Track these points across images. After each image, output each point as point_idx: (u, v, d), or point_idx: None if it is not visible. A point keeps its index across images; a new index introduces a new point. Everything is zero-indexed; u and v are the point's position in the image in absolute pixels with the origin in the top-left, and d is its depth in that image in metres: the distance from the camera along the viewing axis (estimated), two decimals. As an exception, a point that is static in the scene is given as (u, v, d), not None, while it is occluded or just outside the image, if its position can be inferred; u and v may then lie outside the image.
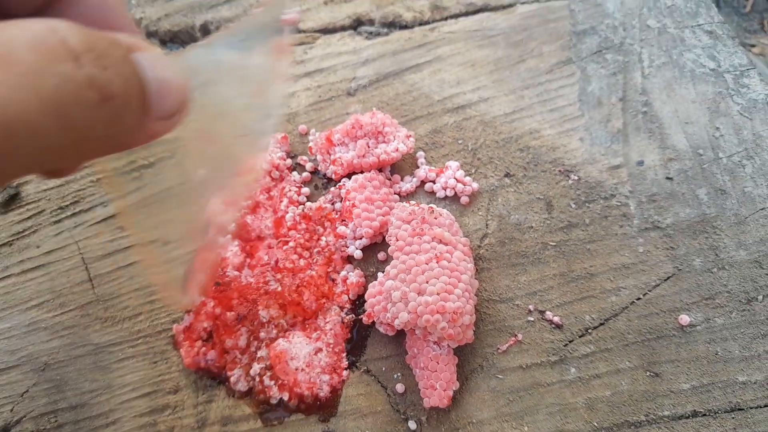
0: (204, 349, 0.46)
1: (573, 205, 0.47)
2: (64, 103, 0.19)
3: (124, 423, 0.46)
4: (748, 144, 0.47)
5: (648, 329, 0.43)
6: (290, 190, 0.50)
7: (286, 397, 0.44)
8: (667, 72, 0.50)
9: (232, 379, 0.45)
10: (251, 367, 0.45)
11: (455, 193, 0.48)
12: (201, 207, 0.33)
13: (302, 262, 0.48)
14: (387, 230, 0.46)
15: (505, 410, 0.42)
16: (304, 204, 0.50)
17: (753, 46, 0.87)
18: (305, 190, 0.50)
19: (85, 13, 0.26)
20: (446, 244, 0.43)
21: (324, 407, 0.44)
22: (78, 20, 0.21)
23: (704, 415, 0.40)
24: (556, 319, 0.44)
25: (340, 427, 0.43)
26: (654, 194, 0.46)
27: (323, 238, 0.48)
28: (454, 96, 0.52)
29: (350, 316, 0.46)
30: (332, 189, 0.50)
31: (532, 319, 0.44)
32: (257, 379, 0.45)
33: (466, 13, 0.57)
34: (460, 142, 0.51)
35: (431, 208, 0.44)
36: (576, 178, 0.48)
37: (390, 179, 0.50)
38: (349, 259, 0.48)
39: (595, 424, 0.41)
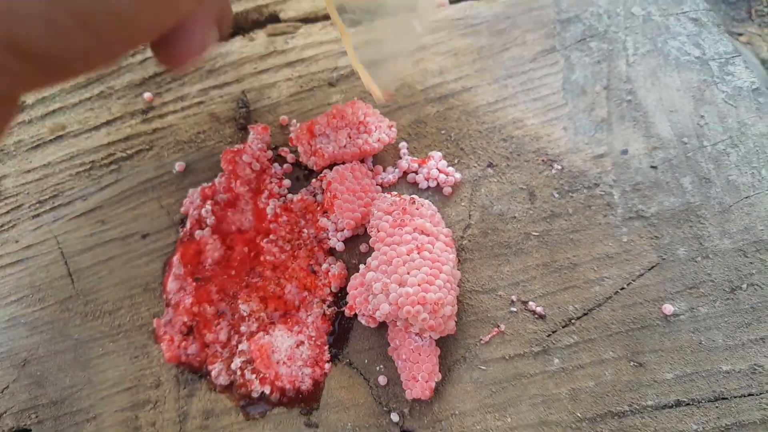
0: (185, 343, 0.46)
1: (556, 195, 0.46)
2: None
3: (106, 418, 0.45)
4: (733, 132, 0.46)
5: (632, 319, 0.42)
6: (271, 182, 0.49)
7: (267, 391, 0.43)
8: (652, 60, 0.50)
9: (213, 373, 0.45)
10: (232, 361, 0.45)
11: (438, 183, 0.48)
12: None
13: (284, 255, 0.47)
14: (369, 221, 0.45)
15: (488, 401, 0.41)
16: (285, 196, 0.49)
17: (740, 34, 0.86)
18: (286, 181, 0.50)
19: None
20: (428, 235, 0.42)
21: (306, 400, 0.44)
22: None
23: (688, 404, 0.40)
24: (539, 309, 0.43)
25: (323, 420, 0.43)
26: (638, 183, 0.46)
27: (305, 230, 0.48)
28: (437, 86, 0.52)
29: (332, 308, 0.45)
30: (313, 180, 0.49)
31: (514, 309, 0.44)
32: (238, 372, 0.44)
33: (450, 2, 0.56)
34: (443, 132, 0.50)
35: (413, 198, 0.44)
36: (559, 167, 0.47)
37: (372, 170, 0.49)
38: (331, 251, 0.47)
39: (579, 414, 0.40)
